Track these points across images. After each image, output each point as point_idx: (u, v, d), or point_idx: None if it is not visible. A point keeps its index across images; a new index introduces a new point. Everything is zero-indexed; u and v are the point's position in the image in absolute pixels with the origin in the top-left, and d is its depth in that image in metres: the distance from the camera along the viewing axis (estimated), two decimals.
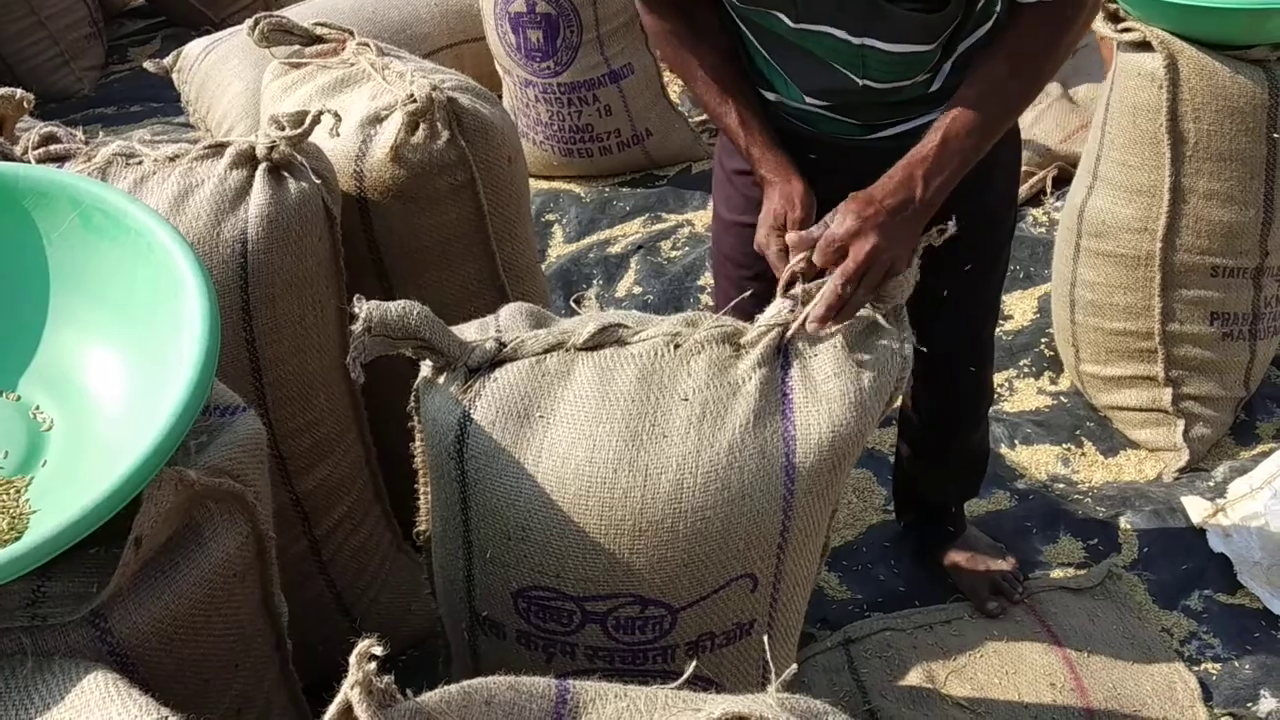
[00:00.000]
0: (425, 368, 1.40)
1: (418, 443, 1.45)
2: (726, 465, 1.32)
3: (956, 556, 2.22)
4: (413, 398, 1.43)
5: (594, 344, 1.39)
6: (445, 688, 0.96)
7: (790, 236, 1.45)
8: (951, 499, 2.23)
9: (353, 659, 0.88)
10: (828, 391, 1.35)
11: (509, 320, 1.48)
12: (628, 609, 1.38)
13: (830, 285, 1.38)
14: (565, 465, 1.33)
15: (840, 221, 1.40)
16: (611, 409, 1.35)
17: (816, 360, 1.38)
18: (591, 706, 0.99)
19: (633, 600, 1.37)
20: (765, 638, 1.44)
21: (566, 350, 1.39)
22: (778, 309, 1.41)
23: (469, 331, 1.44)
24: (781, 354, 1.39)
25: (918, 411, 2.07)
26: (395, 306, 1.32)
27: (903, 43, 1.46)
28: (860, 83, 1.55)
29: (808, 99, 1.61)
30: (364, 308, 1.31)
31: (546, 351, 1.39)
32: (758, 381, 1.36)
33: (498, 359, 1.38)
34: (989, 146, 1.49)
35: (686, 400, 1.35)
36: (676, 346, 1.38)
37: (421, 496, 1.50)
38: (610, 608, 1.38)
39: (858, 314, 1.41)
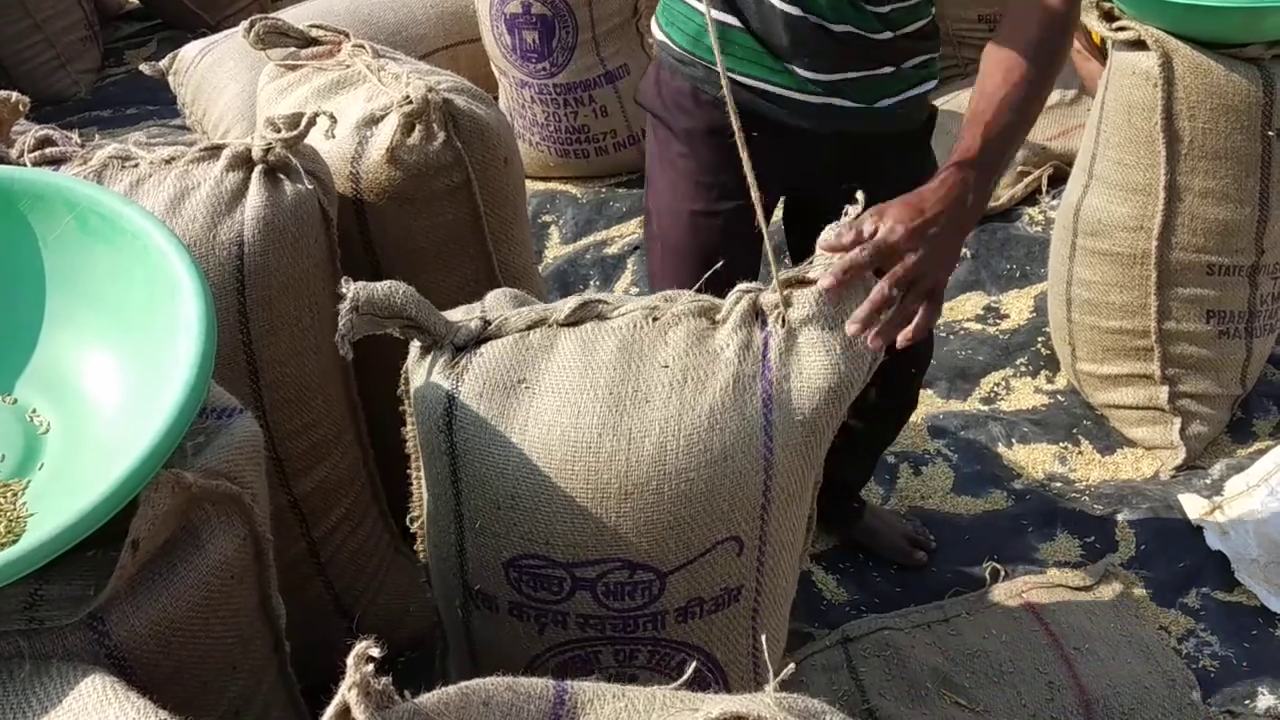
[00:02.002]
0: (413, 348, 1.44)
1: (408, 426, 1.48)
2: (708, 427, 1.36)
3: (868, 527, 2.34)
4: (402, 380, 1.46)
5: (575, 319, 1.43)
6: (443, 689, 0.96)
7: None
8: (853, 478, 2.27)
9: (350, 660, 0.88)
10: (806, 353, 1.38)
11: (493, 302, 1.53)
12: (617, 574, 1.41)
13: (880, 287, 1.35)
14: (551, 432, 1.37)
15: (891, 229, 1.36)
16: (594, 377, 1.39)
17: (797, 325, 1.40)
18: (589, 707, 0.99)
19: (621, 565, 1.40)
20: (754, 605, 1.46)
21: (549, 326, 1.43)
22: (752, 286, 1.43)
23: (455, 315, 1.49)
24: (759, 318, 1.41)
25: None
26: (381, 286, 1.36)
27: None
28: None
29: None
30: (351, 288, 1.34)
31: (530, 328, 1.43)
32: (736, 346, 1.39)
33: (483, 336, 1.42)
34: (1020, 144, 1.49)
35: (667, 367, 1.38)
36: (655, 319, 1.42)
37: (414, 481, 1.52)
38: (600, 573, 1.41)
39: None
